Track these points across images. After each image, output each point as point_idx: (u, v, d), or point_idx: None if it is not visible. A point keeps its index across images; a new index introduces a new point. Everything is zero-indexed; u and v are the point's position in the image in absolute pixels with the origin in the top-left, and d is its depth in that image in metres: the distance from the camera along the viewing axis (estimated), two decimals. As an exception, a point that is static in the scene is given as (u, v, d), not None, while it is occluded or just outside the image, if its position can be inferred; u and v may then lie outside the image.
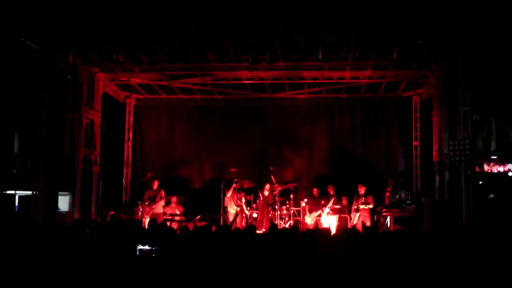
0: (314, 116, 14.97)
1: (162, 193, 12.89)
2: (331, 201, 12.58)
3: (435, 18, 10.12)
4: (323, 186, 13.17)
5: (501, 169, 10.90)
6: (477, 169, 10.76)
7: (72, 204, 11.92)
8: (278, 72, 12.56)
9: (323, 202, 12.69)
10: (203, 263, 4.63)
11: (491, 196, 10.75)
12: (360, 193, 12.70)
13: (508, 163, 10.86)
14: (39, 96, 11.18)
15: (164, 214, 12.73)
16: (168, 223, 11.98)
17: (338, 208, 12.71)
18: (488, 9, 9.75)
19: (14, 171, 12.09)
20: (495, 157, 11.14)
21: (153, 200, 12.68)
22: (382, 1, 9.99)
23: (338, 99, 14.78)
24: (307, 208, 12.97)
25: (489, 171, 10.89)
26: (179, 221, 12.31)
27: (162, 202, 12.85)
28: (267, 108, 14.86)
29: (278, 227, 10.92)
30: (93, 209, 12.47)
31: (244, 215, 13.02)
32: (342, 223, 12.61)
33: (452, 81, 11.27)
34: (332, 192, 12.86)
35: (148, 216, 12.19)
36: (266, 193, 13.10)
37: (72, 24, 10.30)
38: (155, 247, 3.34)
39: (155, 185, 12.98)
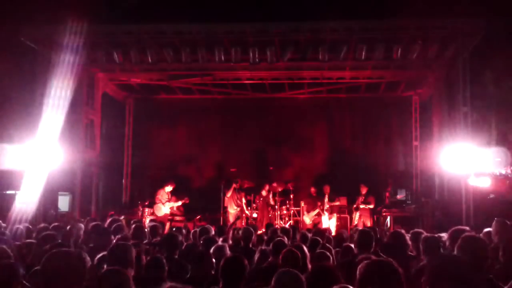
0: (314, 116, 14.98)
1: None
2: (325, 200, 12.62)
3: (435, 18, 10.13)
4: (323, 186, 13.18)
5: (503, 171, 10.93)
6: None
7: (72, 204, 11.92)
8: (278, 72, 12.56)
9: (319, 203, 12.74)
10: None
11: (491, 196, 10.76)
12: (361, 193, 12.73)
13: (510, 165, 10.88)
14: (38, 96, 11.16)
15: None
16: (168, 223, 11.99)
17: (336, 207, 12.72)
18: (488, 9, 9.76)
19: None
20: (499, 159, 11.14)
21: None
22: (382, 1, 10.01)
23: (338, 99, 14.77)
24: (305, 208, 12.99)
25: (491, 173, 10.91)
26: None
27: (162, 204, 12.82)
28: (267, 108, 14.86)
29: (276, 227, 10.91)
30: (93, 209, 12.47)
31: (244, 215, 13.01)
32: (341, 223, 12.63)
33: (452, 81, 11.27)
34: (326, 192, 12.88)
35: (149, 215, 12.14)
36: (264, 193, 13.10)
37: (72, 24, 10.31)
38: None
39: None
